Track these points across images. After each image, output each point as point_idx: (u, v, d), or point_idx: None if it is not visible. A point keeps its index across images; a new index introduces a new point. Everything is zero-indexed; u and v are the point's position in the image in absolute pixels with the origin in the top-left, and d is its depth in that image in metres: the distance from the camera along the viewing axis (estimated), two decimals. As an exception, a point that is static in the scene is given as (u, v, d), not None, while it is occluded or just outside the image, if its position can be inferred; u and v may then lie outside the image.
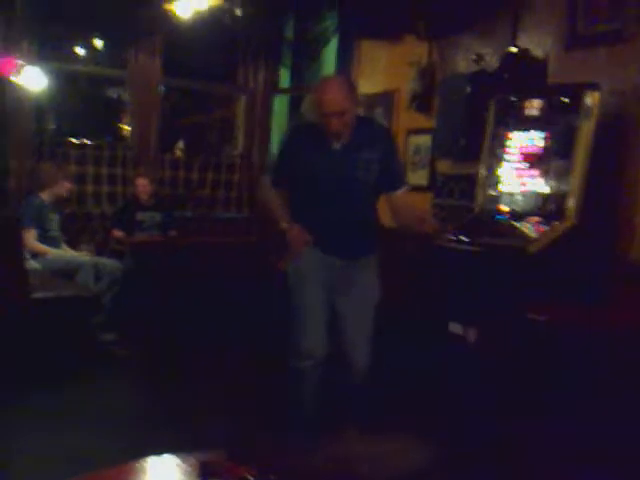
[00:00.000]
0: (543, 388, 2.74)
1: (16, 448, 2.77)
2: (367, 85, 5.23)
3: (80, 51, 6.30)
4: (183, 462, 1.59)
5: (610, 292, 3.12)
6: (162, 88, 5.93)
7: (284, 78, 6.23)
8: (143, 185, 5.33)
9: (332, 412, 2.83)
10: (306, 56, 5.75)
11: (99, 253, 5.02)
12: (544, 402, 2.72)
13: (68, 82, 6.94)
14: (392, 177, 2.81)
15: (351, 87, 2.75)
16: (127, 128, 6.29)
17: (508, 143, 3.61)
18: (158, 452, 1.62)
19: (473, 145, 3.85)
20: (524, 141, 3.54)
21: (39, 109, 5.60)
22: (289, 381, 2.84)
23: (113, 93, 8.12)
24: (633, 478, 2.42)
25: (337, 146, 2.75)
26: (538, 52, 3.81)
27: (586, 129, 3.22)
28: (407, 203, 2.85)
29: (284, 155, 2.87)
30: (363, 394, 2.82)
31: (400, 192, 2.82)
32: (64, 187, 4.90)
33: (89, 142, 5.70)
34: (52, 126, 7.58)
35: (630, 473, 2.40)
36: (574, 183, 3.21)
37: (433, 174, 4.55)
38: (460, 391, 3.09)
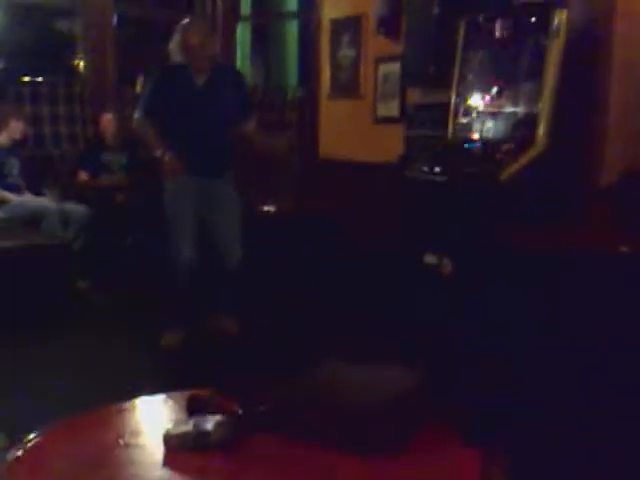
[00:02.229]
0: (521, 311, 2.81)
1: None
2: (332, 10, 5.06)
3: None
4: (171, 400, 1.60)
5: (581, 214, 3.16)
6: (115, 18, 5.66)
7: (245, 6, 6.01)
8: (108, 121, 5.12)
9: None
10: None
11: (64, 198, 4.88)
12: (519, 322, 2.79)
13: (15, 15, 6.57)
14: (243, 110, 3.51)
15: (209, 29, 3.61)
16: (82, 64, 6.03)
17: (478, 68, 3.56)
18: (143, 393, 1.62)
19: (443, 71, 3.79)
20: (494, 65, 3.50)
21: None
22: (170, 280, 3.48)
23: (63, 26, 7.74)
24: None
25: (199, 82, 3.37)
26: (506, -30, 3.71)
27: (555, 49, 3.18)
28: (254, 132, 3.58)
29: (154, 92, 3.43)
30: (233, 280, 3.53)
31: (249, 123, 3.53)
32: (18, 128, 4.72)
33: (42, 80, 5.45)
34: (1, 65, 7.24)
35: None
36: (544, 106, 3.19)
37: (404, 104, 4.48)
38: (435, 319, 3.14)
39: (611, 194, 3.19)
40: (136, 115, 3.48)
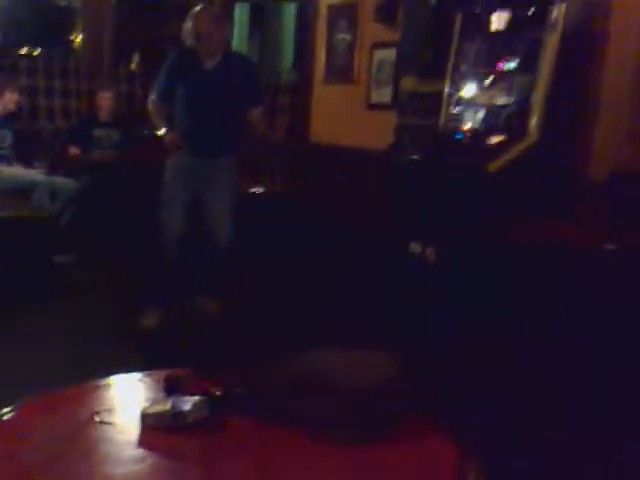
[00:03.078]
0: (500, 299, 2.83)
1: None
2: (329, -6, 5.02)
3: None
4: (149, 378, 1.61)
5: (568, 209, 3.17)
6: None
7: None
8: (107, 99, 5.12)
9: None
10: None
11: (53, 171, 4.86)
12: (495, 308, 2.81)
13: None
14: (250, 97, 3.62)
15: (217, 17, 3.64)
16: (78, 39, 5.98)
17: (473, 59, 3.55)
18: (121, 371, 1.63)
19: (438, 61, 3.78)
20: (489, 56, 3.49)
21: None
22: (156, 250, 3.61)
23: (62, 0, 7.66)
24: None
25: (209, 67, 3.53)
26: (505, -38, 3.68)
27: (551, 43, 3.18)
28: (260, 120, 3.73)
29: (167, 75, 3.57)
30: (221, 261, 3.63)
31: (256, 110, 3.64)
32: (12, 100, 4.69)
33: (39, 53, 5.42)
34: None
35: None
36: (537, 99, 3.19)
37: (396, 92, 4.46)
38: (418, 307, 3.16)
39: (600, 191, 3.20)
40: (150, 97, 3.66)
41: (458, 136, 3.49)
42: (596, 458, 2.22)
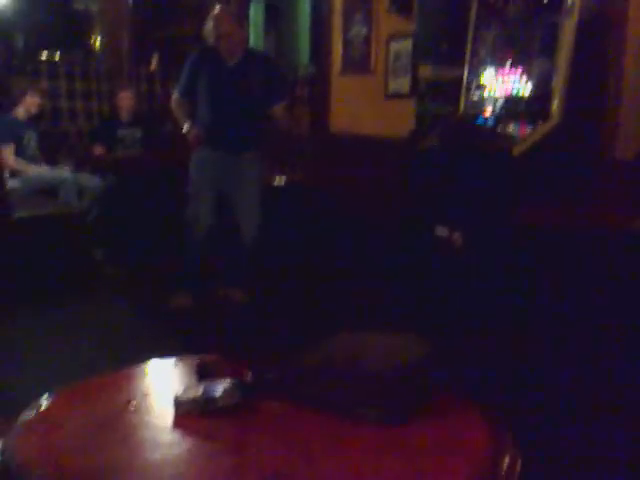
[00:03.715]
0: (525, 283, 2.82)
1: (13, 364, 2.81)
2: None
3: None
4: (181, 364, 1.63)
5: (595, 191, 3.14)
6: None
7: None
8: (127, 98, 5.18)
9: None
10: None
11: (78, 171, 4.94)
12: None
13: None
14: (272, 93, 3.65)
15: (236, 17, 3.77)
16: (98, 41, 6.07)
17: (490, 45, 3.53)
18: (154, 358, 1.65)
19: (455, 48, 3.76)
20: (507, 42, 3.46)
21: (5, 25, 5.36)
22: (185, 244, 3.68)
23: (81, 5, 7.76)
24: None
25: (230, 64, 3.59)
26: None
27: (569, 27, 3.14)
28: (283, 114, 3.78)
29: (189, 72, 3.64)
30: (248, 254, 3.69)
31: (279, 105, 3.68)
32: (34, 103, 4.77)
33: (59, 56, 5.49)
34: (20, 42, 7.28)
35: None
36: (557, 83, 3.16)
37: (415, 80, 4.45)
38: (446, 291, 3.15)
39: (625, 172, 3.16)
40: (173, 95, 3.74)
41: (480, 122, 3.48)
42: (623, 436, 2.21)
